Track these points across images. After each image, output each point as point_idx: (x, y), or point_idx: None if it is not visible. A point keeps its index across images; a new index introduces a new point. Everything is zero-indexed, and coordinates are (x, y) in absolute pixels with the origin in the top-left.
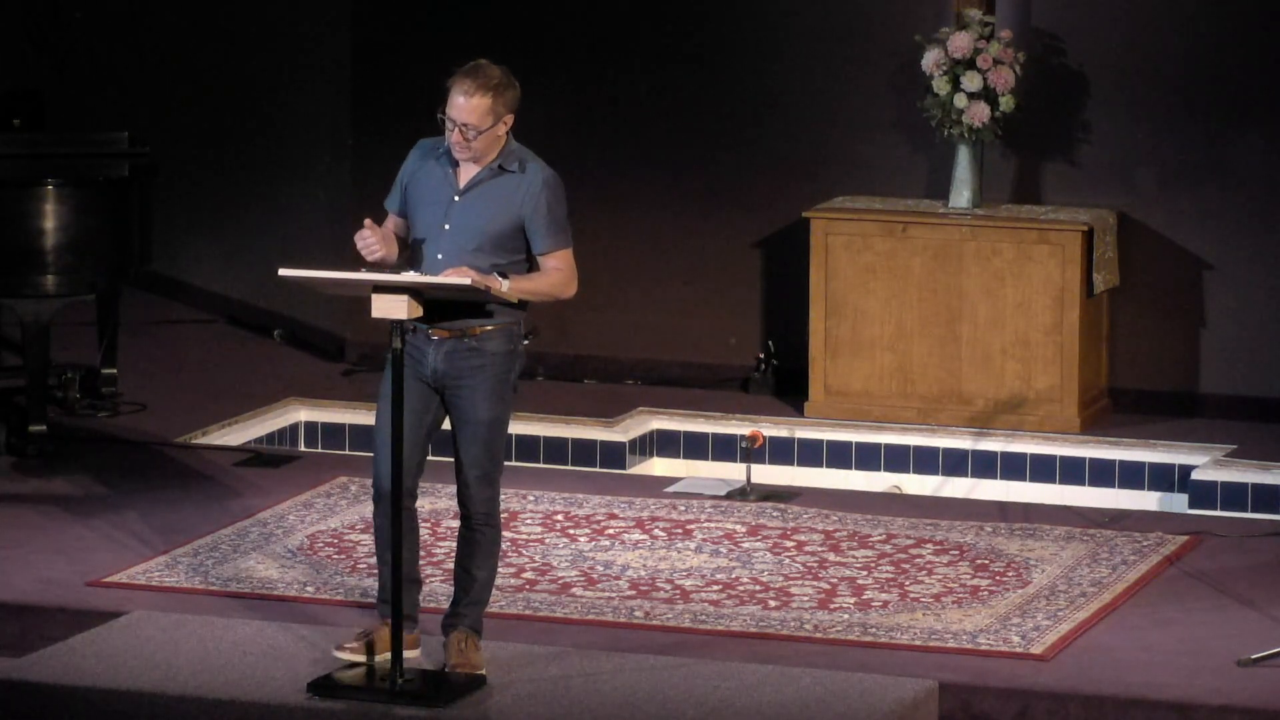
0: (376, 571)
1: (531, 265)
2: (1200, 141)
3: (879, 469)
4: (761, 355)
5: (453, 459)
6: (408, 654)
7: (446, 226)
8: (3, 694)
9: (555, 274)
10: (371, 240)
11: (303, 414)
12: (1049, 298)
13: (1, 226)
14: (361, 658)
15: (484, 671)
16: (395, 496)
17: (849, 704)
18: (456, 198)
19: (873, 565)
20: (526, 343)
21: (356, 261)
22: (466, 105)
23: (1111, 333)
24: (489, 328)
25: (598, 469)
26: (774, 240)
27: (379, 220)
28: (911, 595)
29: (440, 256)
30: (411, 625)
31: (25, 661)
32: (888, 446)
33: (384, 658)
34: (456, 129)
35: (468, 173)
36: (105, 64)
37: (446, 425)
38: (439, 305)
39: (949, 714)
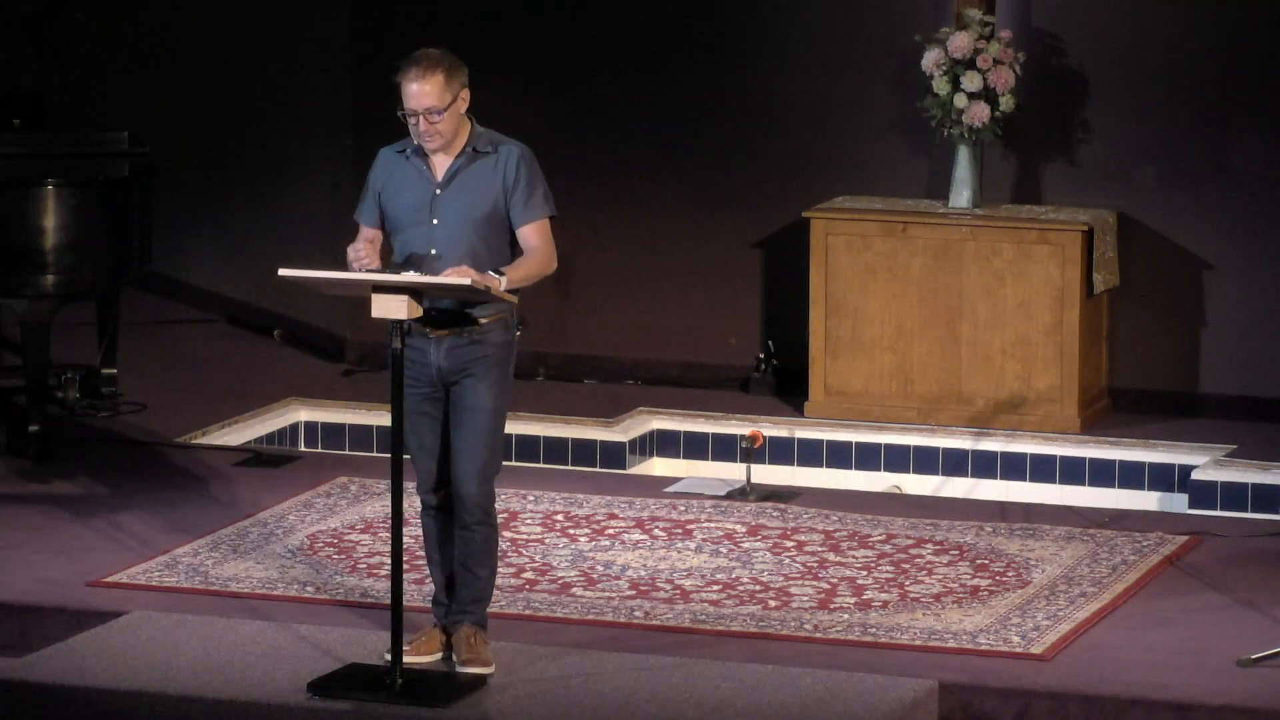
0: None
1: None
2: (1200, 141)
3: (879, 469)
4: (761, 355)
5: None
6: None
7: (435, 221)
8: (3, 694)
9: (538, 252)
10: (363, 253)
11: (303, 414)
12: (1049, 298)
13: (1, 226)
14: (428, 657)
15: (493, 666)
16: (397, 497)
17: (849, 704)
18: (438, 191)
19: (873, 565)
20: (519, 332)
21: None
22: (421, 90)
23: (1111, 333)
24: (485, 319)
25: (598, 469)
26: (774, 240)
27: (350, 235)
28: (911, 595)
29: (434, 251)
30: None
31: (25, 661)
32: (888, 446)
33: (435, 657)
34: (420, 118)
35: (443, 164)
36: (105, 64)
37: None
38: (436, 307)
39: (949, 714)
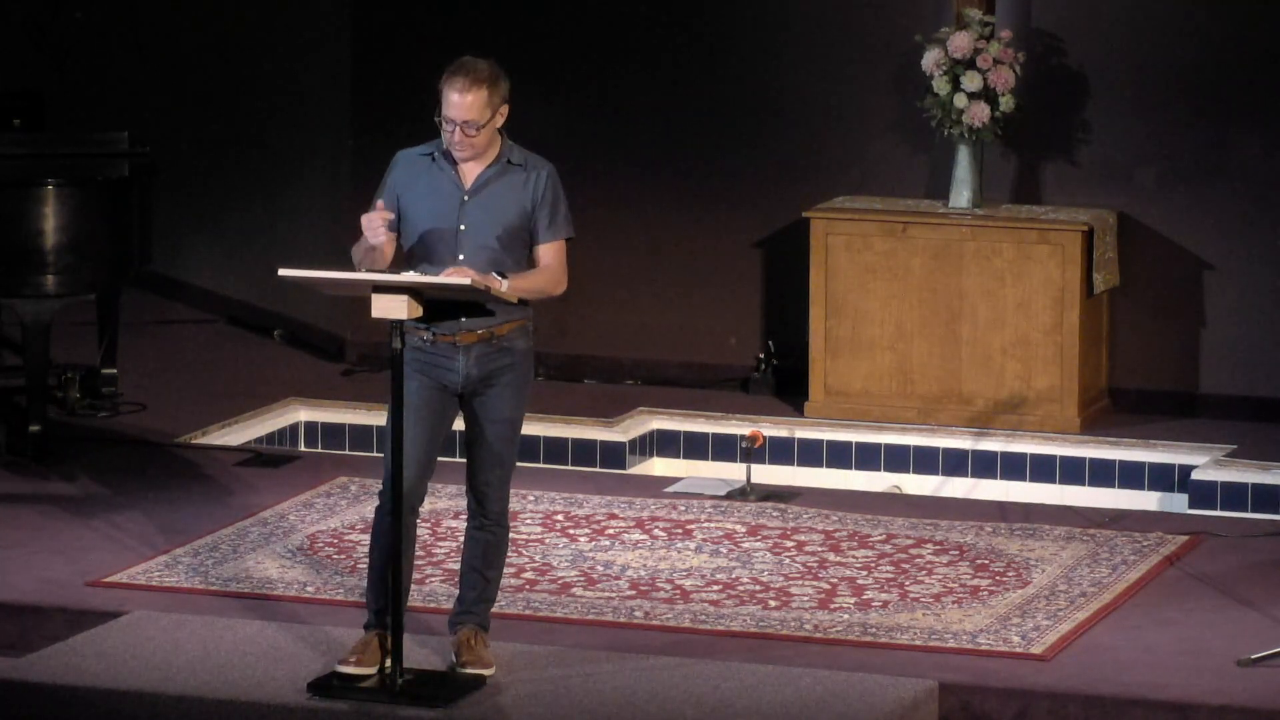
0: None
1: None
2: (1200, 141)
3: (879, 469)
4: (761, 355)
5: (456, 460)
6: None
7: (463, 227)
8: (3, 694)
9: (547, 271)
10: (379, 224)
11: (303, 414)
12: (1049, 298)
13: (1, 226)
14: (366, 670)
15: (494, 668)
16: (397, 499)
17: (849, 704)
18: (467, 198)
19: (873, 565)
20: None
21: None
22: (463, 102)
23: (1111, 333)
24: (510, 327)
25: (598, 469)
26: (774, 240)
27: (350, 234)
28: (911, 595)
29: (462, 257)
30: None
31: (25, 661)
32: (888, 446)
33: (374, 669)
34: (457, 128)
35: (472, 172)
36: (105, 64)
37: (454, 426)
38: (450, 309)
39: (949, 714)
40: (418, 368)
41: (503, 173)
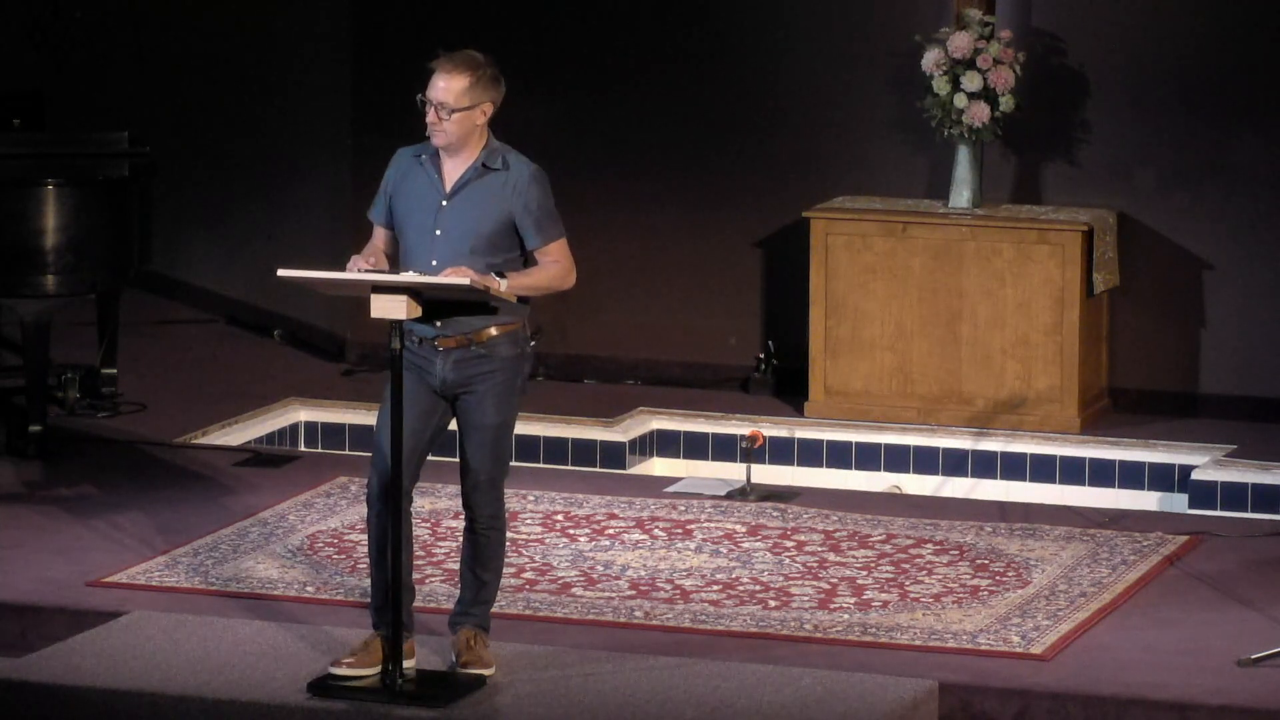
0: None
1: (527, 262)
2: (1200, 141)
3: (879, 469)
4: (761, 355)
5: (457, 461)
6: (405, 663)
7: (438, 232)
8: (3, 694)
9: (554, 266)
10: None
11: (303, 414)
12: (1049, 298)
13: (1, 226)
14: (361, 671)
15: (494, 668)
16: (395, 498)
17: (849, 704)
18: (444, 202)
19: (873, 565)
20: (533, 344)
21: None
22: (442, 84)
23: (1111, 333)
24: (494, 332)
25: (598, 469)
26: (774, 240)
27: (365, 233)
28: (911, 595)
29: (435, 263)
30: (407, 634)
31: (25, 661)
32: (888, 446)
33: (375, 669)
34: (432, 108)
35: (453, 175)
36: (105, 64)
37: (451, 427)
38: (439, 310)
39: (949, 714)
40: (408, 364)
41: (480, 176)
